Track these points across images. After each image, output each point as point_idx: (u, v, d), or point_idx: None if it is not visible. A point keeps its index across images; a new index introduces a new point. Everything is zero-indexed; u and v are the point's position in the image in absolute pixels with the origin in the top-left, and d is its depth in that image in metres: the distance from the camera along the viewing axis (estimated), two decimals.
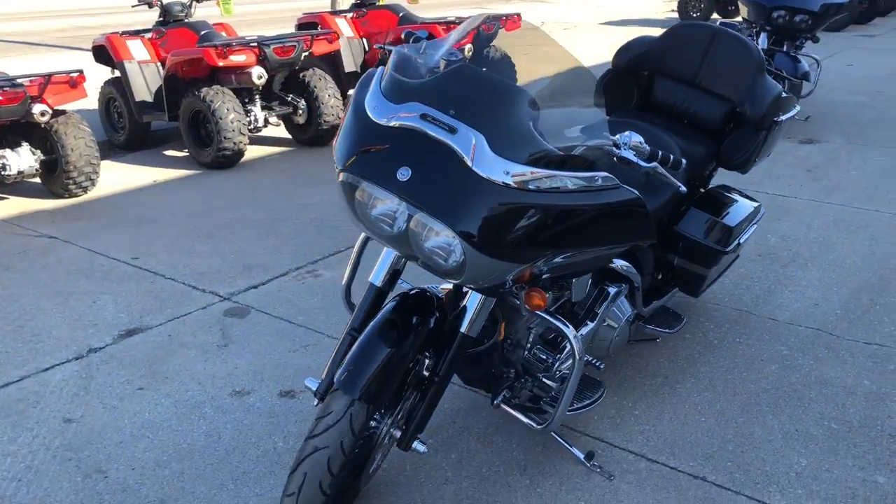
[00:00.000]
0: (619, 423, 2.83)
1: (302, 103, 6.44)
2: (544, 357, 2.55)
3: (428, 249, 1.93)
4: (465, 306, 2.19)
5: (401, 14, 7.54)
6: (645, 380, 3.10)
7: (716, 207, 3.13)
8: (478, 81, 1.95)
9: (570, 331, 2.27)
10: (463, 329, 2.17)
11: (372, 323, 2.09)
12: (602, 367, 2.67)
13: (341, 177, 2.00)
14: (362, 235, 2.61)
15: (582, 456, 2.60)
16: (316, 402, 2.28)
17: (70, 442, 2.76)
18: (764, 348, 3.31)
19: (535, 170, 1.84)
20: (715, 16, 14.60)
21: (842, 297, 3.75)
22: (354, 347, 2.05)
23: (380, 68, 2.23)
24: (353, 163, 1.96)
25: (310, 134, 6.57)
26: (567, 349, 2.54)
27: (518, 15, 7.45)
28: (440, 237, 1.89)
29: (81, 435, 2.79)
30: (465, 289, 2.24)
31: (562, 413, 2.34)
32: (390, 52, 2.50)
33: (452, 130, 1.86)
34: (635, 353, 3.26)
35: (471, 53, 2.40)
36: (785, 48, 6.66)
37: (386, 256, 2.30)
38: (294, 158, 6.36)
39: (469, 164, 1.83)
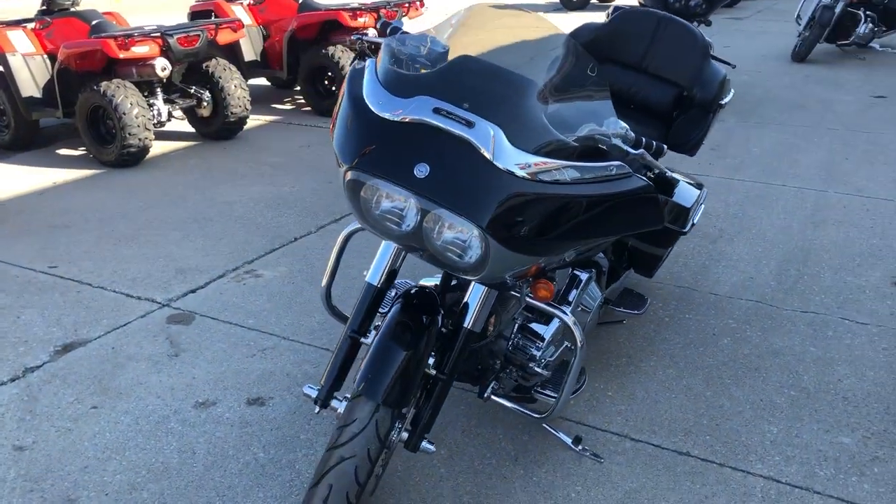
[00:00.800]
0: (595, 405, 2.88)
1: (206, 95, 6.18)
2: (530, 346, 2.56)
3: (442, 246, 1.89)
4: (466, 302, 2.16)
5: (300, 1, 7.34)
6: (611, 361, 3.16)
7: (667, 190, 3.21)
8: (486, 72, 1.92)
9: (569, 318, 2.29)
10: (467, 324, 2.14)
11: (384, 327, 2.03)
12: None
13: (349, 175, 1.93)
14: (341, 237, 2.53)
15: (570, 441, 2.63)
16: (317, 409, 2.20)
17: (28, 472, 2.55)
18: (713, 322, 3.45)
19: (554, 161, 1.83)
20: (594, 0, 15.00)
21: (772, 269, 3.95)
22: (371, 353, 1.98)
23: (369, 61, 2.16)
24: (362, 160, 1.89)
25: (216, 127, 6.32)
26: (549, 338, 2.55)
27: (421, 1, 7.40)
28: (458, 233, 1.85)
29: (39, 463, 2.59)
30: (470, 284, 2.20)
31: (565, 400, 2.36)
32: (369, 43, 2.43)
33: (469, 124, 1.82)
34: (595, 335, 3.33)
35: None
36: None
37: (383, 255, 2.23)
38: (203, 153, 6.09)
39: (490, 158, 1.80)
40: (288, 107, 7.53)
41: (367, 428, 1.89)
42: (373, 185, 1.90)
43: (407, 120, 1.87)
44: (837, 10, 9.18)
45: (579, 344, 2.28)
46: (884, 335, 3.34)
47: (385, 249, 2.23)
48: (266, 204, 4.89)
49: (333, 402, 2.18)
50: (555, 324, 2.43)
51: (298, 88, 7.54)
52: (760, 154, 5.89)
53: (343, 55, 6.74)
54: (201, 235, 4.42)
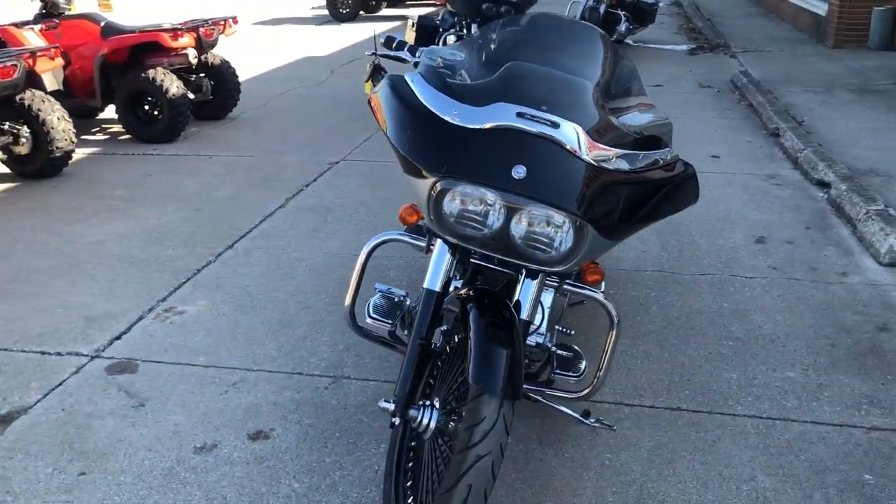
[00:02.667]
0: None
1: (25, 130, 5.62)
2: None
3: (526, 243, 2.00)
4: (517, 298, 2.28)
5: (102, 23, 6.86)
6: (571, 341, 3.40)
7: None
8: (543, 76, 2.06)
9: (599, 295, 2.48)
10: (524, 316, 2.26)
11: (475, 330, 2.08)
12: (573, 333, 2.91)
13: (440, 185, 1.98)
14: (364, 253, 2.54)
15: (580, 416, 2.82)
16: (396, 420, 2.21)
17: None
18: (635, 294, 3.82)
19: (628, 152, 2.01)
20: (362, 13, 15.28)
21: (655, 242, 4.42)
22: (475, 354, 2.01)
23: (410, 75, 2.22)
24: (456, 169, 1.95)
25: (38, 164, 5.75)
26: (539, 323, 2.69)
27: (234, 18, 7.23)
28: (546, 228, 1.97)
29: None
30: (518, 280, 2.31)
31: (604, 378, 2.54)
32: (384, 56, 2.47)
33: (554, 125, 1.96)
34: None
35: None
36: None
37: (439, 262, 2.29)
38: (33, 194, 5.53)
39: (580, 154, 1.95)
40: (101, 136, 7.00)
41: (498, 423, 1.96)
42: (464, 191, 1.97)
43: (491, 127, 1.96)
44: (601, 10, 10.18)
45: (616, 320, 2.48)
46: (772, 284, 3.90)
47: (440, 257, 2.29)
48: (141, 239, 4.59)
49: (411, 412, 2.21)
50: (546, 310, 2.57)
51: (105, 116, 7.03)
52: None
53: (166, 78, 6.42)
54: (89, 279, 4.07)
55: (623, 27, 10.54)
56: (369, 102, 2.44)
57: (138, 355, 3.34)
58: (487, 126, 1.97)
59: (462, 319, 2.22)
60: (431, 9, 16.57)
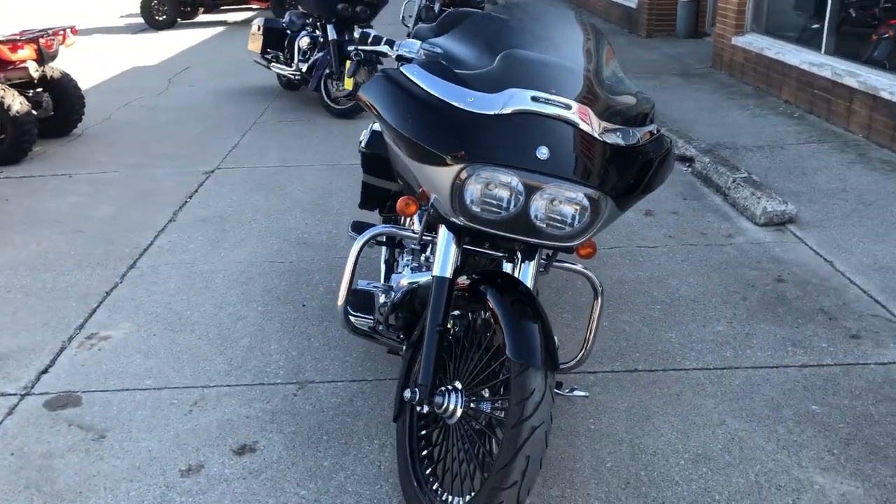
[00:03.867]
0: None
1: None
2: None
3: (550, 220, 2.09)
4: (517, 278, 2.37)
5: None
6: None
7: None
8: (547, 62, 2.16)
9: (582, 268, 2.62)
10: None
11: (502, 311, 2.14)
12: None
13: (467, 171, 2.03)
14: (356, 250, 2.53)
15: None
16: (424, 408, 2.24)
17: None
18: (558, 272, 4.01)
19: (633, 130, 2.16)
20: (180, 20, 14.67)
21: None
22: (509, 333, 2.08)
23: (408, 67, 2.25)
24: (480, 154, 2.01)
25: None
26: None
27: (73, 28, 6.77)
28: (571, 205, 2.08)
29: None
30: (517, 261, 2.40)
31: (591, 347, 2.67)
32: (363, 51, 2.47)
33: (567, 107, 2.06)
34: None
35: None
36: (347, 37, 7.36)
37: (447, 249, 2.32)
38: None
39: (594, 133, 2.07)
40: None
41: (546, 393, 2.04)
42: (493, 175, 2.03)
43: (510, 111, 2.04)
44: (436, 8, 10.43)
45: (600, 290, 2.62)
46: (673, 251, 4.24)
47: (447, 244, 2.33)
48: (27, 267, 4.23)
49: (436, 399, 2.25)
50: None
51: None
52: None
53: (6, 94, 5.91)
54: None
55: None
56: (358, 98, 2.44)
57: (76, 387, 3.11)
58: (507, 111, 2.04)
59: (479, 301, 2.28)
60: (249, 13, 16.21)
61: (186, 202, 5.18)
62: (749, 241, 4.35)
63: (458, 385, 2.29)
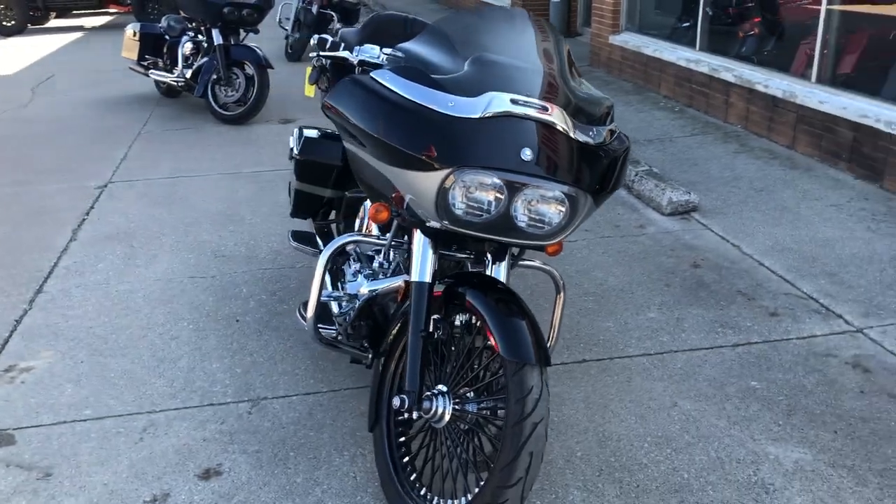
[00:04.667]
0: None
1: None
2: None
3: (532, 220, 2.13)
4: (493, 275, 2.41)
5: None
6: None
7: None
8: (516, 66, 2.20)
9: (545, 265, 2.68)
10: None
11: (486, 311, 2.15)
12: None
13: (455, 175, 2.04)
14: (324, 260, 2.49)
15: None
16: (416, 415, 2.23)
17: None
18: None
19: (600, 128, 2.23)
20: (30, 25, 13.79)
21: None
22: (499, 331, 2.10)
23: (379, 72, 2.23)
24: (467, 157, 2.02)
25: None
26: None
27: None
28: (554, 204, 2.12)
29: None
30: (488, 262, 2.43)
31: (556, 341, 2.74)
32: (325, 57, 2.43)
33: (544, 109, 2.11)
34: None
35: None
36: (232, 41, 7.16)
37: (424, 253, 2.32)
38: None
39: (570, 133, 2.13)
40: None
41: (544, 389, 2.08)
42: (481, 178, 2.05)
43: (491, 115, 2.06)
44: (314, 10, 10.30)
45: (563, 285, 2.69)
46: (593, 244, 4.39)
47: (423, 249, 2.32)
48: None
49: (425, 404, 2.25)
50: None
51: None
52: None
53: None
54: None
55: (336, 26, 10.74)
56: (324, 105, 2.39)
57: (5, 424, 2.89)
58: (488, 114, 2.06)
59: (458, 304, 2.29)
60: (107, 17, 15.44)
61: (84, 219, 4.89)
62: (660, 230, 4.56)
63: (443, 388, 2.29)
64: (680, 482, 2.54)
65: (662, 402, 2.96)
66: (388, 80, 2.20)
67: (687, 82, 7.18)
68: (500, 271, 2.42)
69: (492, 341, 2.14)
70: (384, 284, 2.69)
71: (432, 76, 2.16)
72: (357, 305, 2.68)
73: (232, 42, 7.15)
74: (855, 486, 2.51)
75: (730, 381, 3.08)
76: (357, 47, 2.49)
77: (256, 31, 7.43)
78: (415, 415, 2.25)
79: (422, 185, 2.11)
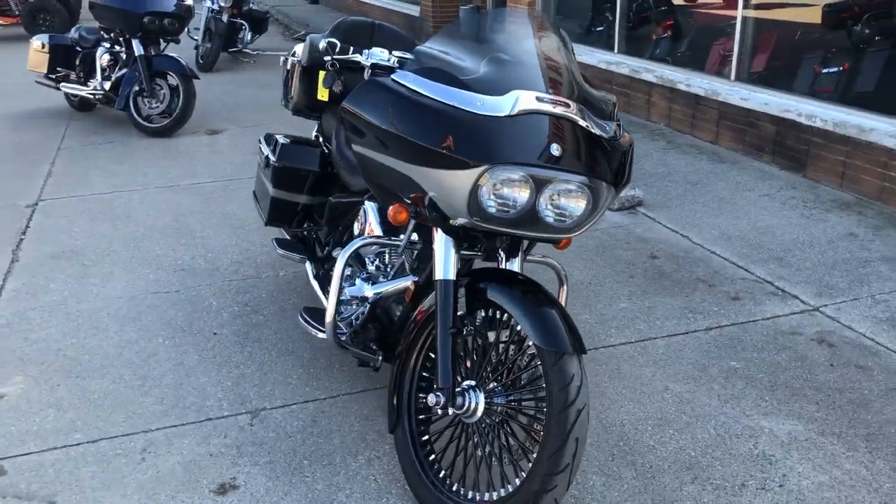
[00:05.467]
0: None
1: None
2: None
3: (551, 214, 2.20)
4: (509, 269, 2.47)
5: None
6: None
7: None
8: (534, 64, 2.26)
9: (549, 259, 2.76)
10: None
11: (515, 304, 2.21)
12: None
13: (491, 173, 2.08)
14: (342, 263, 2.49)
15: None
16: (451, 410, 2.26)
17: None
18: None
19: (610, 123, 2.32)
20: None
21: None
22: (532, 322, 2.15)
23: (401, 74, 2.25)
24: (502, 155, 2.07)
25: None
26: None
27: None
28: (580, 198, 2.20)
29: None
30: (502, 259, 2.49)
31: None
32: (338, 61, 2.43)
33: (567, 105, 2.19)
34: None
35: None
36: (153, 52, 6.96)
37: (447, 251, 2.34)
38: None
39: (591, 129, 2.21)
40: None
41: (584, 376, 2.14)
42: (512, 175, 2.10)
43: (518, 112, 2.12)
44: (225, 19, 10.11)
45: (566, 278, 2.77)
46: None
47: (446, 247, 2.35)
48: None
49: (458, 400, 2.28)
50: None
51: None
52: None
53: None
54: None
55: (248, 35, 10.59)
56: (341, 109, 2.39)
57: None
58: (515, 112, 2.11)
59: (479, 300, 2.33)
60: None
61: (22, 239, 4.66)
62: (612, 225, 4.73)
63: (472, 383, 2.33)
64: (689, 460, 2.66)
65: (654, 387, 3.08)
66: (413, 82, 2.22)
67: (608, 83, 7.44)
68: (514, 266, 2.48)
69: (522, 333, 2.20)
70: (388, 287, 2.71)
71: (456, 77, 2.20)
72: (366, 309, 2.69)
73: (153, 52, 6.94)
74: (846, 451, 2.69)
75: (711, 363, 3.24)
76: (366, 51, 2.50)
77: (178, 41, 7.24)
78: (450, 411, 2.27)
79: (453, 183, 2.15)
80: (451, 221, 2.28)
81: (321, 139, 3.64)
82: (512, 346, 2.32)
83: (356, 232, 2.87)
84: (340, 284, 2.53)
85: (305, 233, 3.54)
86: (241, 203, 5.22)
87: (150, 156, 6.37)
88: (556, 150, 2.12)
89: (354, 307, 2.84)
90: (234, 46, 10.62)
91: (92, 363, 3.30)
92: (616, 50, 7.56)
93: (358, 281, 2.88)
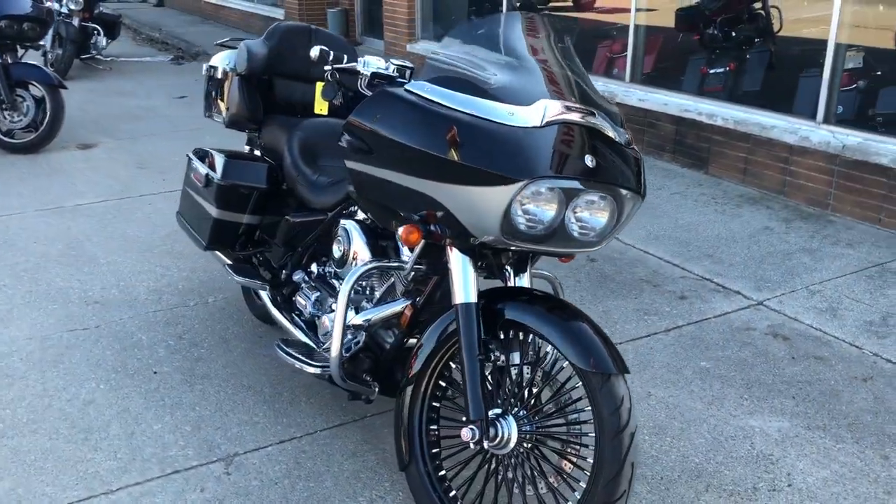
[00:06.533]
0: None
1: None
2: None
3: (579, 227, 2.10)
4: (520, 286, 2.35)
5: None
6: None
7: None
8: (553, 71, 2.14)
9: (549, 273, 2.65)
10: None
11: (544, 325, 2.08)
12: None
13: (531, 187, 1.95)
14: (347, 291, 2.28)
15: None
16: (486, 443, 2.11)
17: None
18: None
19: (623, 131, 2.24)
20: None
21: None
22: (570, 343, 2.03)
23: (417, 84, 2.08)
24: (540, 168, 1.95)
25: None
26: None
27: None
28: (608, 210, 2.10)
29: None
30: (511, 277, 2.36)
31: None
32: (337, 70, 2.22)
33: (592, 114, 2.09)
34: None
35: None
36: (11, 60, 6.29)
37: (465, 272, 2.18)
38: None
39: (616, 138, 2.13)
40: None
41: (631, 397, 2.04)
42: (553, 189, 1.97)
43: (547, 122, 1.99)
44: (76, 23, 9.36)
45: (562, 291, 2.67)
46: None
47: (464, 268, 2.19)
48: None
49: (491, 431, 2.13)
50: None
51: None
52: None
53: None
54: None
55: (103, 41, 9.86)
56: (349, 123, 2.18)
57: None
58: (545, 123, 1.99)
59: (495, 322, 2.19)
60: None
61: None
62: None
63: (497, 411, 2.19)
64: (695, 467, 2.63)
65: (637, 394, 3.04)
66: (431, 93, 2.06)
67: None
68: (522, 282, 2.36)
69: (554, 354, 2.09)
70: (382, 312, 2.51)
71: (478, 86, 2.05)
72: (361, 338, 2.48)
73: (10, 60, 6.27)
74: (835, 443, 2.76)
75: (683, 365, 3.25)
76: (362, 59, 2.30)
77: (38, 48, 6.59)
78: (485, 444, 2.12)
79: (484, 199, 1.99)
80: (471, 240, 2.12)
81: (259, 153, 3.37)
82: (532, 367, 2.20)
83: (336, 254, 2.64)
84: (345, 314, 2.31)
85: (260, 257, 3.26)
86: (140, 224, 4.79)
87: (19, 175, 5.75)
88: (590, 161, 2.01)
89: (360, 335, 2.62)
90: (88, 53, 9.86)
91: (16, 419, 2.88)
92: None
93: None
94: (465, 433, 2.11)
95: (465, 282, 2.19)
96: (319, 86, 2.38)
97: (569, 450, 2.19)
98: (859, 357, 3.30)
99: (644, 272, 4.09)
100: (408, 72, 2.32)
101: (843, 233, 4.58)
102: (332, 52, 2.34)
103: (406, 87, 2.12)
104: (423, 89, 2.08)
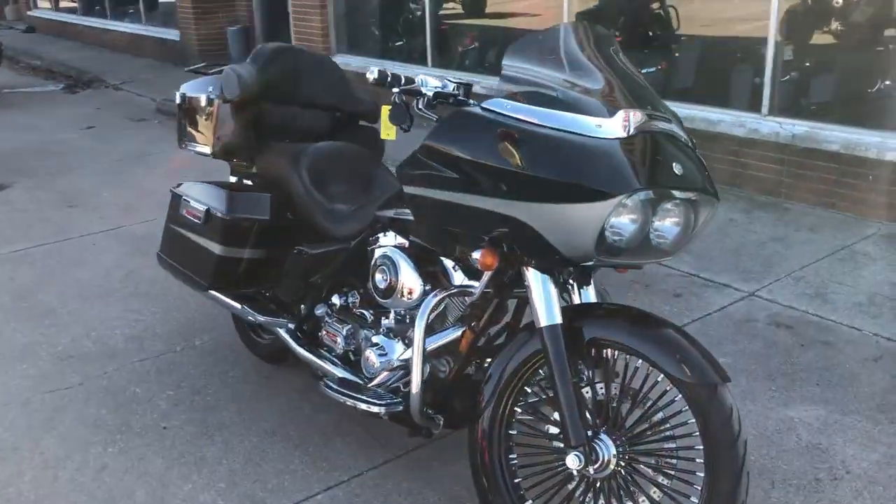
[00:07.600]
0: None
1: None
2: None
3: (656, 236, 2.06)
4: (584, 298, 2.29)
5: None
6: None
7: None
8: (624, 80, 2.08)
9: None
10: None
11: (633, 340, 2.03)
12: None
13: (631, 200, 1.88)
14: (420, 332, 2.16)
15: None
16: (591, 469, 2.04)
17: None
18: None
19: (685, 134, 2.21)
20: None
21: None
22: (668, 357, 1.98)
23: (495, 102, 1.99)
24: (638, 180, 1.89)
25: None
26: None
27: None
28: (690, 216, 2.06)
29: None
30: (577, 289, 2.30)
31: None
32: (402, 96, 2.10)
33: (668, 120, 2.05)
34: None
35: None
36: None
37: (547, 292, 2.09)
38: None
39: (690, 144, 2.10)
40: None
41: (737, 405, 2.01)
42: (641, 204, 1.92)
43: (633, 131, 1.94)
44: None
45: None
46: None
47: (545, 288, 2.10)
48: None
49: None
50: None
51: None
52: (116, 200, 5.71)
53: None
54: None
55: None
56: (427, 147, 2.05)
57: None
58: (630, 132, 1.93)
59: (581, 340, 2.12)
60: None
61: None
62: None
63: (588, 433, 2.11)
64: (753, 464, 2.63)
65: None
66: (513, 110, 1.96)
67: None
68: (588, 295, 2.29)
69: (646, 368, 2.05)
70: (437, 341, 2.39)
71: (560, 100, 1.97)
72: (427, 370, 2.36)
73: None
74: (873, 426, 2.83)
75: None
76: (419, 78, 2.18)
77: None
78: (590, 470, 2.04)
79: (579, 216, 1.92)
80: (561, 258, 2.04)
81: (249, 182, 3.18)
82: (621, 384, 2.15)
83: (381, 284, 2.48)
84: (424, 347, 2.17)
85: (267, 293, 3.06)
86: (90, 267, 4.45)
87: None
88: (677, 168, 1.97)
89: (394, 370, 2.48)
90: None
91: (23, 497, 2.58)
92: (429, 64, 7.53)
93: (381, 338, 2.53)
94: (571, 460, 2.03)
95: (547, 303, 2.10)
96: (385, 110, 2.24)
97: (663, 463, 2.14)
98: (862, 338, 3.41)
99: (631, 273, 4.10)
100: (464, 89, 2.21)
101: (802, 219, 4.76)
102: (390, 74, 2.20)
103: (483, 105, 2.02)
104: (502, 107, 1.99)
